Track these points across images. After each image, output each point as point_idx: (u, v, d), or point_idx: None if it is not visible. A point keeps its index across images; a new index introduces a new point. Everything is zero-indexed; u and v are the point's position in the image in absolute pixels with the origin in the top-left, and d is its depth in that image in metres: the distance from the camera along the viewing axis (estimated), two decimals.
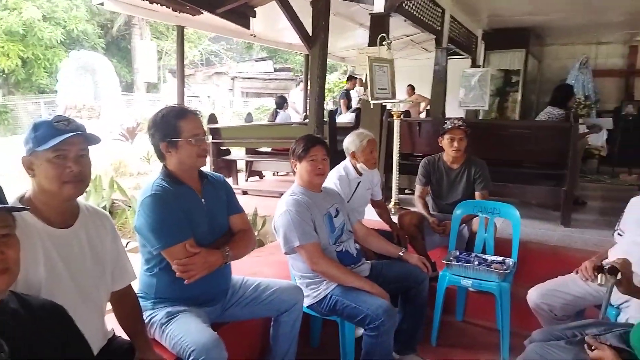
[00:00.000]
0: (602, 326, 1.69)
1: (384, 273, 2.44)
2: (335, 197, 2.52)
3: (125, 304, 1.68)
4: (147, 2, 4.75)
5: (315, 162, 2.29)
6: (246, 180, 6.66)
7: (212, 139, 5.96)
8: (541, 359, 1.68)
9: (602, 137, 6.82)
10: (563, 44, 8.96)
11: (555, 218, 4.12)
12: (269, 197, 5.48)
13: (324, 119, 5.02)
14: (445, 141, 3.15)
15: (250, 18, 5.44)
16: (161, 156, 1.87)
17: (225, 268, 1.94)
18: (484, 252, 2.85)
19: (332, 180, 2.80)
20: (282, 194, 2.40)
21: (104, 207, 5.45)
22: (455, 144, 3.09)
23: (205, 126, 5.76)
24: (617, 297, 1.96)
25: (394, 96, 4.26)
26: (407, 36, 7.48)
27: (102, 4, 5.57)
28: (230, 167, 6.27)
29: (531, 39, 8.11)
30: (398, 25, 5.58)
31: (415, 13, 5.34)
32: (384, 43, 4.26)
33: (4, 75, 17.35)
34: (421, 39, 7.61)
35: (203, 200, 1.91)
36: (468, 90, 6.66)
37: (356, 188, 2.95)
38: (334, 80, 15.89)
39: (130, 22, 19.37)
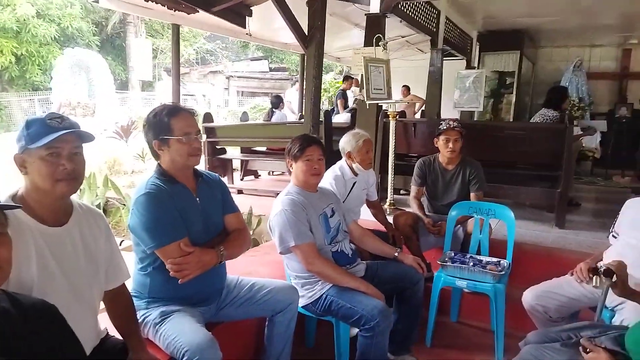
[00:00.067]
0: (597, 328, 1.70)
1: (379, 273, 2.43)
2: (330, 197, 2.51)
3: (119, 303, 1.66)
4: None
5: (311, 162, 2.28)
6: (241, 179, 6.65)
7: (208, 138, 5.93)
8: None
9: (595, 140, 6.87)
10: (557, 46, 9.02)
11: (550, 219, 4.14)
12: (264, 196, 5.47)
13: (320, 119, 5.01)
14: (440, 142, 3.15)
15: (246, 17, 5.43)
16: (155, 154, 1.86)
17: (220, 267, 1.92)
18: (478, 253, 2.85)
19: (328, 180, 2.80)
20: (278, 194, 2.39)
21: (98, 205, 5.42)
22: (451, 145, 3.09)
23: (201, 125, 5.73)
24: (611, 299, 1.97)
25: (389, 97, 4.26)
26: (403, 37, 7.51)
27: (97, 2, 5.54)
28: (225, 166, 6.25)
29: (525, 41, 8.15)
30: (394, 26, 5.59)
31: (410, 14, 5.35)
32: (379, 43, 4.27)
33: None
34: (416, 40, 7.63)
35: (198, 199, 1.89)
36: (463, 91, 6.68)
37: (352, 188, 2.94)
38: (330, 80, 15.89)
39: (125, 20, 19.29)
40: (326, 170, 2.59)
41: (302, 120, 5.97)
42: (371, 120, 4.72)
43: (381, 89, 4.14)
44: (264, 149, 6.63)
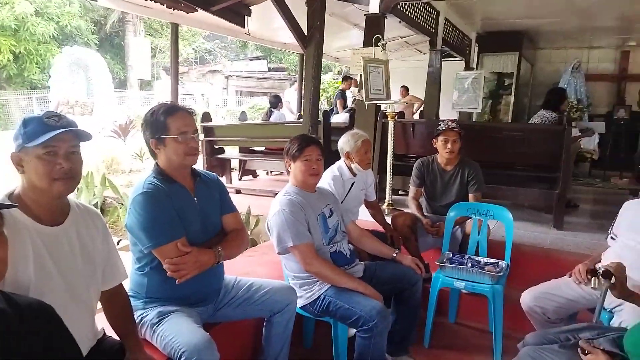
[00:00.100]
0: (596, 330, 1.69)
1: (378, 274, 2.43)
2: (329, 197, 2.50)
3: (116, 304, 1.65)
4: None
5: (310, 162, 2.28)
6: (240, 179, 6.63)
7: (206, 138, 5.92)
8: None
9: (594, 141, 6.88)
10: (556, 47, 9.03)
11: (548, 221, 4.14)
12: (263, 196, 5.46)
13: (319, 119, 5.01)
14: (439, 143, 3.15)
15: (245, 16, 5.43)
16: (153, 154, 1.86)
17: (217, 268, 1.92)
18: (477, 254, 2.85)
19: (326, 180, 2.79)
20: (276, 194, 2.38)
21: (96, 205, 5.39)
22: (449, 145, 3.09)
23: (199, 124, 5.72)
24: (610, 300, 1.97)
25: (388, 97, 4.25)
26: (402, 38, 7.51)
27: (96, 0, 5.52)
28: (223, 166, 6.24)
29: (524, 43, 8.16)
30: (393, 27, 5.59)
31: (410, 15, 5.35)
32: (378, 44, 4.26)
33: None
34: (415, 40, 7.64)
35: (195, 199, 1.88)
36: (461, 92, 6.68)
37: (350, 188, 2.94)
38: (328, 80, 15.89)
39: (124, 18, 19.24)
40: (325, 170, 2.59)
41: (301, 120, 5.96)
42: (370, 121, 4.71)
43: (380, 90, 4.14)
44: (262, 148, 6.62)
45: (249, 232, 3.74)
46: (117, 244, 4.23)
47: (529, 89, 9.20)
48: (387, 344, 2.19)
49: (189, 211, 1.83)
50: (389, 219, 3.23)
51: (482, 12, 6.90)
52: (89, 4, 17.80)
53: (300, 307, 2.26)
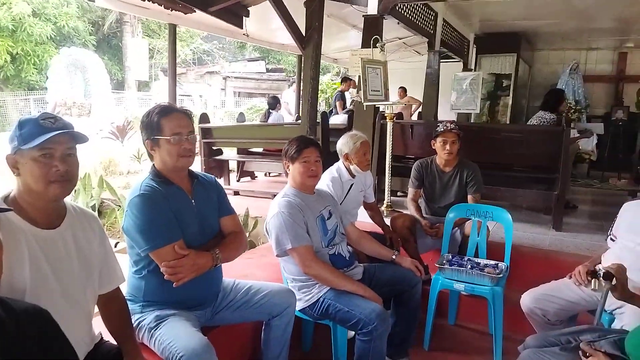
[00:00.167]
0: (597, 332, 1.69)
1: (377, 276, 2.42)
2: (328, 199, 2.49)
3: (113, 308, 1.63)
4: None
5: (308, 164, 2.26)
6: (238, 180, 6.61)
7: (204, 139, 5.90)
8: None
9: (592, 142, 6.89)
10: (554, 49, 9.04)
11: (547, 222, 4.14)
12: (261, 197, 5.45)
13: (317, 120, 5.00)
14: (437, 144, 3.14)
15: (243, 17, 5.42)
16: (149, 155, 1.84)
17: (215, 271, 1.90)
18: (476, 255, 2.84)
19: (325, 182, 2.78)
20: (274, 195, 2.37)
21: (93, 207, 5.38)
22: (448, 147, 3.08)
23: (197, 126, 5.70)
24: (610, 302, 1.96)
25: (387, 98, 4.25)
26: (400, 39, 7.51)
27: (93, 1, 5.51)
28: (221, 167, 6.22)
29: (522, 44, 8.17)
30: (391, 28, 5.59)
31: (408, 16, 5.35)
32: (377, 45, 4.26)
33: None
34: (414, 41, 7.64)
35: (193, 201, 1.87)
36: (460, 93, 6.69)
37: (349, 190, 2.92)
38: (327, 82, 15.89)
39: (121, 19, 19.22)
40: (323, 172, 2.57)
41: (299, 121, 5.95)
42: (368, 122, 4.71)
43: (378, 91, 4.13)
44: (260, 150, 6.61)
45: (247, 234, 3.72)
46: (115, 247, 4.22)
47: (527, 90, 9.21)
48: (387, 346, 2.18)
49: (186, 213, 1.82)
50: (387, 221, 3.22)
51: (480, 13, 6.91)
52: (86, 5, 17.81)
53: (299, 310, 2.24)
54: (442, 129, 3.09)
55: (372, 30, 4.54)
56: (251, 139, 6.19)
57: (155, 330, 1.71)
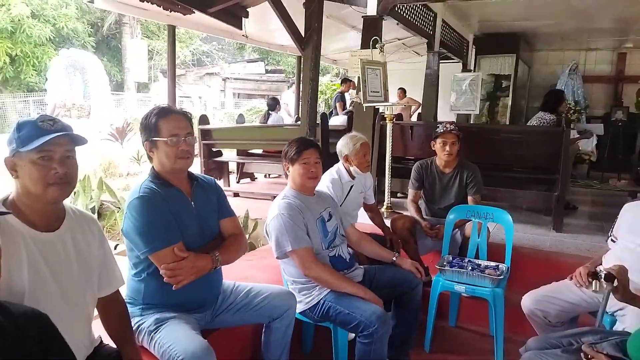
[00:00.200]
0: (598, 334, 1.68)
1: (377, 278, 2.41)
2: (328, 200, 2.48)
3: (113, 311, 1.62)
4: (138, 0, 4.69)
5: (308, 166, 2.26)
6: (237, 182, 6.60)
7: (203, 141, 5.89)
8: None
9: (592, 143, 6.88)
10: (553, 49, 9.05)
11: (547, 223, 4.13)
12: (261, 199, 5.44)
13: (317, 122, 4.99)
14: (437, 145, 3.13)
15: (243, 18, 5.41)
16: (149, 157, 1.84)
17: (215, 273, 1.89)
18: (477, 257, 2.83)
19: (325, 183, 2.77)
20: (274, 197, 2.36)
21: (93, 209, 5.36)
22: (448, 148, 3.07)
23: (197, 127, 5.69)
24: (611, 304, 1.95)
25: (386, 99, 4.25)
26: (399, 39, 7.51)
27: (92, 2, 5.50)
28: (221, 169, 6.21)
29: (521, 45, 8.17)
30: (390, 29, 5.59)
31: (407, 17, 5.35)
32: (376, 46, 4.25)
33: None
34: (413, 42, 7.64)
35: (193, 203, 1.86)
36: (459, 94, 6.69)
37: (349, 191, 2.92)
38: (326, 82, 15.89)
39: (121, 20, 19.22)
40: (323, 173, 2.57)
41: (299, 122, 5.94)
42: (368, 123, 4.70)
43: (378, 92, 4.13)
44: (260, 151, 6.60)
45: (247, 236, 3.71)
46: (115, 249, 4.21)
47: (526, 91, 9.22)
48: (387, 348, 2.17)
49: (185, 215, 1.81)
50: (387, 222, 3.21)
51: (480, 14, 6.91)
52: (85, 6, 17.78)
53: (299, 313, 2.23)
54: (441, 130, 3.09)
55: (371, 31, 4.54)
56: (251, 140, 6.18)
57: (155, 333, 1.70)
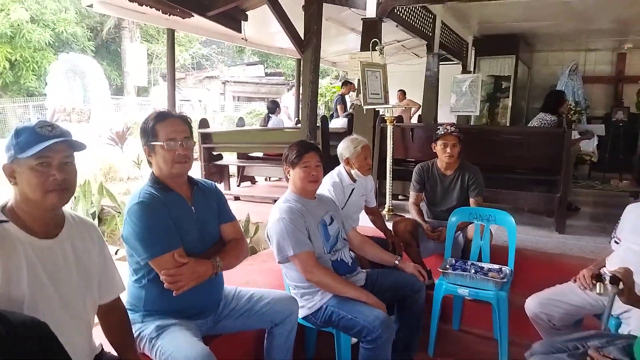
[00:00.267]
0: (604, 338, 1.66)
1: (380, 282, 2.39)
2: (329, 204, 2.47)
3: (113, 318, 1.61)
4: (137, 4, 4.68)
5: (309, 169, 2.24)
6: (238, 185, 6.59)
7: (204, 144, 5.88)
8: None
9: (593, 143, 6.87)
10: (552, 50, 9.05)
11: (549, 224, 4.11)
12: (262, 202, 5.43)
13: (317, 124, 4.98)
14: (438, 147, 3.12)
15: (242, 21, 5.40)
16: (148, 161, 1.82)
17: (216, 279, 1.87)
18: (479, 259, 2.81)
19: (326, 187, 2.76)
20: (275, 200, 2.34)
21: (93, 213, 5.34)
22: (449, 150, 3.06)
23: (196, 131, 5.68)
24: (616, 306, 1.93)
25: (386, 101, 4.23)
26: (399, 41, 7.51)
27: (91, 7, 5.49)
28: (222, 173, 6.20)
29: (521, 46, 8.18)
30: (390, 31, 5.58)
31: (406, 19, 5.34)
32: (376, 48, 4.24)
33: None
34: (412, 44, 7.64)
35: (193, 208, 1.85)
36: (459, 96, 6.68)
37: (350, 195, 2.90)
38: (326, 85, 15.90)
39: (120, 24, 19.24)
40: (324, 176, 2.55)
41: (299, 125, 5.93)
42: (368, 126, 4.69)
43: (378, 94, 4.11)
44: (260, 154, 6.59)
45: (248, 240, 3.70)
46: (115, 254, 4.18)
47: (526, 92, 9.22)
48: (391, 352, 2.15)
49: (185, 220, 1.79)
50: (389, 225, 3.19)
51: (479, 15, 6.91)
52: (84, 11, 17.81)
53: (302, 318, 2.21)
54: (442, 132, 3.07)
55: (370, 34, 4.53)
56: (251, 143, 6.16)
57: (156, 340, 1.68)
